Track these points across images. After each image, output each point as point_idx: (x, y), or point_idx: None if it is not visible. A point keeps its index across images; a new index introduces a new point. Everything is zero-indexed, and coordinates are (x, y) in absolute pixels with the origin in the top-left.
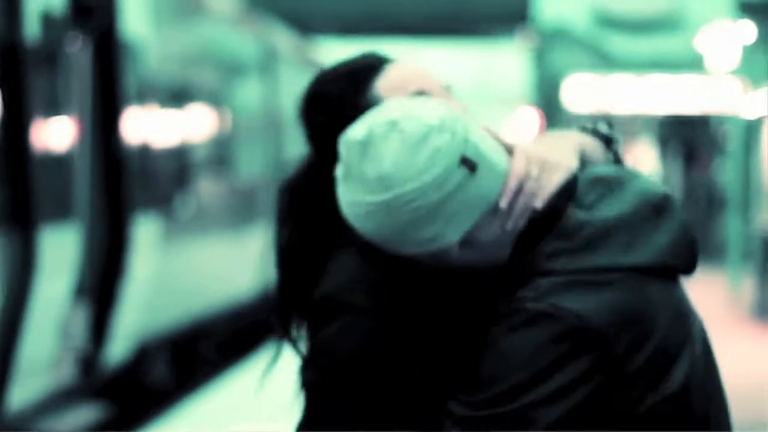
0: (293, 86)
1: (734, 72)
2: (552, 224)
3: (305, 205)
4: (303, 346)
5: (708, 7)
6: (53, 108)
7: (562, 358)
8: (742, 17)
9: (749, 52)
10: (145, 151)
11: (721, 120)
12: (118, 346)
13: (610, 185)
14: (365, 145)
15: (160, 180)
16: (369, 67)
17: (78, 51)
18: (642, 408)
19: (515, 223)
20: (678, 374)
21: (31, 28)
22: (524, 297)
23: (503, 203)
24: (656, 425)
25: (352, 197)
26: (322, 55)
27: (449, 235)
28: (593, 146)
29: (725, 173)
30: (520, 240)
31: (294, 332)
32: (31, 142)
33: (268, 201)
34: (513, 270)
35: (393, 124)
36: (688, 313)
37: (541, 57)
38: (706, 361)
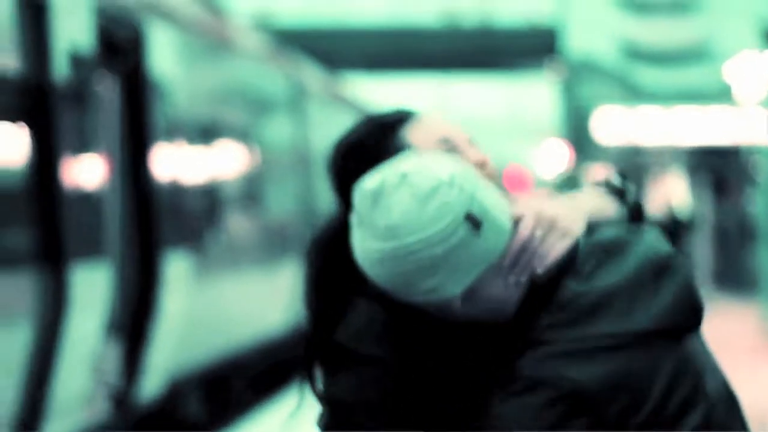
0: (322, 122)
1: (763, 102)
2: (550, 294)
3: (334, 260)
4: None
5: (735, 38)
6: (83, 146)
7: (558, 420)
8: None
9: None
10: (174, 188)
11: (751, 150)
12: (151, 382)
13: (609, 252)
14: (377, 195)
15: (190, 217)
16: (398, 118)
17: (107, 89)
18: None
19: (517, 279)
20: None
21: (60, 67)
22: (523, 365)
23: (507, 261)
24: None
25: (363, 244)
26: (350, 91)
27: (451, 287)
28: (605, 203)
29: (756, 204)
30: (521, 306)
31: (315, 377)
32: (62, 180)
33: (298, 237)
34: (513, 337)
35: (404, 177)
36: (700, 371)
37: (569, 89)
38: (727, 418)
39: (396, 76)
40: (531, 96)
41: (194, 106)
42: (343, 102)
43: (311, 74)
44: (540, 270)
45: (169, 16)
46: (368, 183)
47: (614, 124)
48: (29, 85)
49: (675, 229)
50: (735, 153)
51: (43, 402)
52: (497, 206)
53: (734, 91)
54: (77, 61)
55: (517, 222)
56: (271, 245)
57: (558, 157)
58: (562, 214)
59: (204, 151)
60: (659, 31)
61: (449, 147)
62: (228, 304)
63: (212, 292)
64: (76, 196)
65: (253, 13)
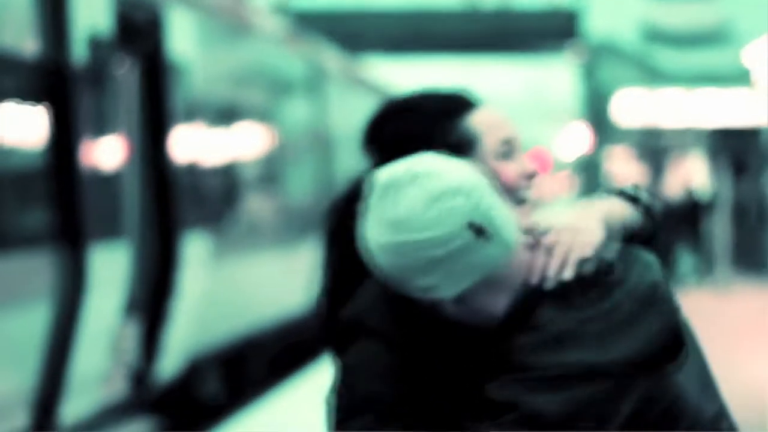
0: (341, 104)
1: None
2: (529, 316)
3: (352, 226)
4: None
5: (756, 21)
6: (102, 128)
7: None
8: None
9: None
10: (193, 169)
11: None
12: (169, 362)
13: (593, 282)
14: (388, 189)
15: (209, 198)
16: (458, 105)
17: (125, 72)
18: None
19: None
20: None
21: (79, 50)
22: (491, 386)
23: (532, 272)
24: None
25: (368, 232)
26: (370, 73)
27: (444, 290)
28: (621, 209)
29: None
30: (501, 322)
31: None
32: (81, 162)
33: (317, 218)
34: (490, 349)
35: (416, 176)
36: (680, 396)
37: (590, 72)
38: None
39: (416, 58)
40: (551, 78)
41: (213, 89)
42: (362, 84)
43: (330, 57)
44: (534, 279)
45: None
46: (383, 174)
47: (635, 107)
48: (49, 67)
49: (695, 210)
50: (754, 135)
51: (62, 381)
52: (504, 220)
53: (754, 74)
54: (96, 44)
55: (534, 235)
56: (290, 226)
57: (578, 139)
58: (582, 228)
59: (223, 133)
60: (680, 14)
61: (508, 149)
62: (246, 284)
63: (230, 273)
64: (95, 177)
65: None
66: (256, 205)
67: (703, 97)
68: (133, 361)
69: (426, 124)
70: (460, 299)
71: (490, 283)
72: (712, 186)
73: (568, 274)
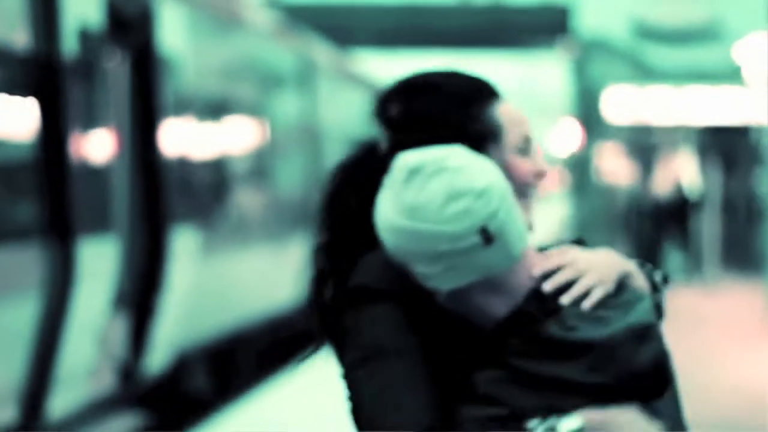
0: (331, 98)
1: None
2: (528, 327)
3: (352, 195)
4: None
5: (747, 18)
6: (92, 121)
7: None
8: None
9: None
10: (183, 163)
11: (761, 131)
12: (158, 356)
13: (594, 313)
14: (413, 174)
15: (198, 192)
16: (485, 92)
17: (116, 65)
18: None
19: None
20: None
21: (69, 42)
22: (479, 379)
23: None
24: None
25: (383, 209)
26: (361, 67)
27: (441, 282)
28: (636, 272)
29: (764, 183)
30: (499, 326)
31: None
32: (70, 155)
33: (306, 213)
34: (483, 346)
35: (444, 169)
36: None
37: (580, 68)
38: None
39: (407, 52)
40: (543, 74)
41: (203, 82)
42: (353, 78)
43: (321, 50)
44: (547, 288)
45: None
46: (411, 158)
47: (625, 103)
48: (39, 60)
49: (684, 207)
50: (745, 133)
51: (50, 374)
52: (516, 233)
53: (744, 72)
54: (87, 37)
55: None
56: (279, 221)
57: (569, 135)
58: (597, 265)
59: (213, 126)
60: (670, 11)
61: (527, 146)
62: (235, 278)
63: (219, 267)
64: (84, 170)
65: None
66: (245, 199)
67: (694, 94)
68: (121, 356)
69: (450, 106)
70: (454, 295)
71: (490, 285)
72: (702, 183)
73: (590, 303)
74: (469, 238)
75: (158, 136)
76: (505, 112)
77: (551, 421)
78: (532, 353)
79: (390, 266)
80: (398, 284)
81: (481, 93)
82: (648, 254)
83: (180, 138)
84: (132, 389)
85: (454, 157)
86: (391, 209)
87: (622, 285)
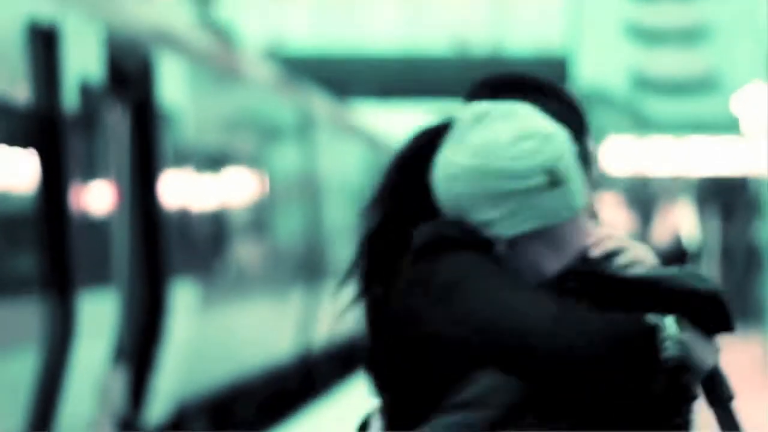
0: (330, 150)
1: None
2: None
3: (414, 180)
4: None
5: (745, 69)
6: (92, 175)
7: None
8: None
9: None
10: (183, 216)
11: (759, 181)
12: (157, 408)
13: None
14: (482, 116)
15: (198, 245)
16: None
17: (116, 119)
18: None
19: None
20: None
21: (70, 96)
22: None
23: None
24: None
25: (449, 157)
26: (360, 119)
27: (504, 228)
28: None
29: (763, 234)
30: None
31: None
32: (71, 208)
33: (306, 265)
34: None
35: (513, 114)
36: None
37: None
38: None
39: (407, 103)
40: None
41: (203, 135)
42: (352, 129)
43: (321, 102)
44: (595, 253)
45: (178, 46)
46: (477, 106)
47: (624, 154)
48: (40, 113)
49: (683, 258)
50: (743, 183)
51: (50, 428)
52: (578, 182)
53: (742, 123)
54: (87, 91)
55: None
56: (279, 273)
57: None
58: (639, 247)
59: (213, 179)
60: (669, 62)
61: (594, 185)
62: (235, 330)
63: (219, 319)
64: (85, 223)
65: (264, 40)
66: (245, 252)
67: (692, 145)
68: (120, 408)
69: (565, 117)
70: (514, 243)
71: (547, 239)
72: (701, 233)
73: (636, 271)
74: (536, 177)
75: (158, 189)
76: (591, 144)
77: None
78: (590, 294)
79: (452, 223)
80: (466, 236)
81: (585, 117)
82: None
83: (180, 191)
84: None
85: (522, 107)
86: (457, 154)
87: None
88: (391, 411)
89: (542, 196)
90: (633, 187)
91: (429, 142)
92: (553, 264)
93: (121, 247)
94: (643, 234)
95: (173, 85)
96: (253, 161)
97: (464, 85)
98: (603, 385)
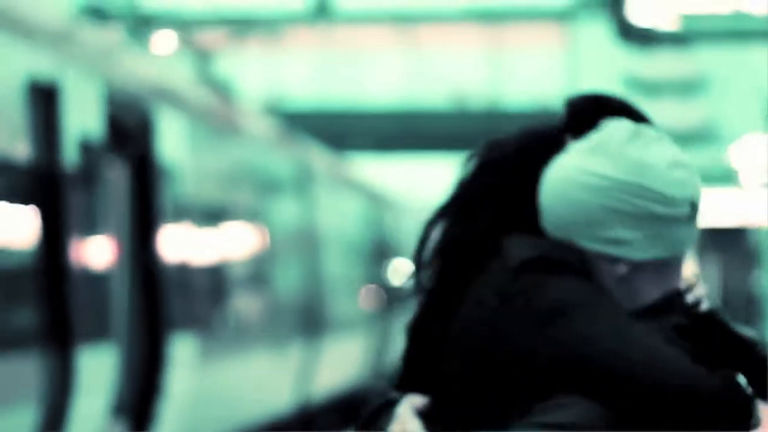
0: (329, 204)
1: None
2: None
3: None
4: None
5: (741, 120)
6: (92, 230)
7: None
8: None
9: None
10: (182, 270)
11: (757, 231)
12: None
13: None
14: (637, 133)
15: (197, 299)
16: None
17: (116, 174)
18: None
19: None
20: None
21: (70, 152)
22: None
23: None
24: None
25: (589, 168)
26: (359, 173)
27: (638, 250)
28: None
29: (762, 283)
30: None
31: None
32: (70, 264)
33: (305, 318)
34: None
35: (663, 138)
36: None
37: None
38: None
39: (405, 157)
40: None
41: (203, 190)
42: (351, 183)
43: (319, 157)
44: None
45: (178, 102)
46: (627, 123)
47: None
48: (40, 170)
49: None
50: (742, 234)
51: None
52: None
53: (740, 174)
54: (87, 146)
55: None
56: (278, 326)
57: None
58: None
59: (212, 234)
60: (666, 113)
61: None
62: (234, 383)
63: (218, 373)
64: (84, 278)
65: (263, 96)
66: (244, 305)
67: None
68: None
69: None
70: (637, 267)
71: (662, 269)
72: (701, 284)
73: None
74: (681, 207)
75: (157, 243)
76: None
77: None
78: (688, 329)
79: (555, 243)
80: (570, 258)
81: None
82: None
83: (179, 245)
84: None
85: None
86: (609, 166)
87: None
88: (436, 414)
89: (680, 227)
90: None
91: (537, 147)
92: (654, 295)
93: (121, 302)
94: None
95: (172, 141)
96: (252, 215)
97: (463, 139)
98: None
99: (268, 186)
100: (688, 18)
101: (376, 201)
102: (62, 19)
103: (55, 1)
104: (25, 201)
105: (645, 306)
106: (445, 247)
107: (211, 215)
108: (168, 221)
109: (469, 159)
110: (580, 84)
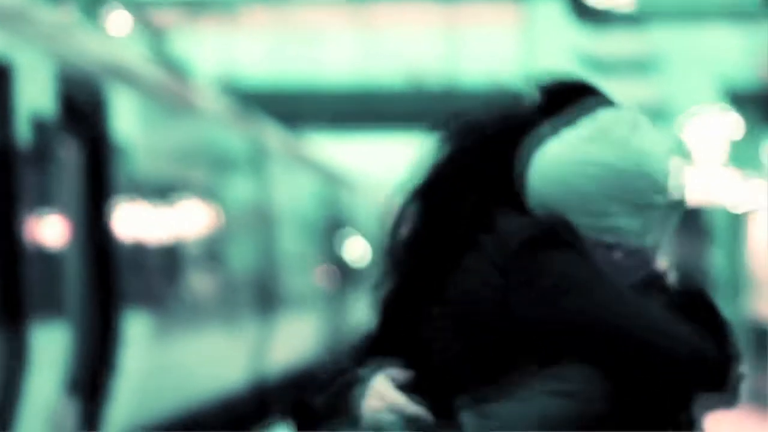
0: (283, 182)
1: (722, 163)
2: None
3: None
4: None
5: (695, 97)
6: (46, 207)
7: None
8: (729, 108)
9: (737, 142)
10: (135, 247)
11: (709, 210)
12: None
13: None
14: (637, 122)
15: (151, 276)
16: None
17: (69, 152)
18: None
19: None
20: None
21: (23, 131)
22: None
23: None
24: None
25: (591, 157)
26: (314, 151)
27: (634, 238)
28: None
29: (714, 262)
30: None
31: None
32: (23, 241)
33: (258, 295)
34: None
35: (656, 130)
36: None
37: None
38: None
39: (361, 135)
40: None
41: (156, 168)
42: (305, 161)
43: (274, 135)
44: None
45: (132, 81)
46: (629, 111)
47: None
48: None
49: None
50: (694, 213)
51: None
52: None
53: (693, 151)
54: (40, 125)
55: None
56: (233, 302)
57: None
58: None
59: (165, 210)
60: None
61: None
62: (188, 359)
63: (172, 348)
64: (37, 256)
65: (218, 75)
66: (198, 283)
67: None
68: None
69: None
70: (634, 252)
71: (648, 253)
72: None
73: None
74: (674, 196)
75: (111, 221)
76: None
77: None
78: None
79: (557, 219)
80: (568, 236)
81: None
82: None
83: (133, 222)
84: None
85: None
86: (609, 154)
87: None
88: (418, 386)
89: (671, 215)
90: None
91: (515, 130)
92: (639, 275)
93: (74, 280)
94: None
95: (126, 120)
96: (206, 192)
97: (419, 117)
98: (687, 390)
99: (222, 164)
100: None
101: (331, 179)
102: None
103: None
104: None
105: (630, 285)
106: (424, 228)
107: (165, 193)
108: (121, 199)
109: (442, 141)
110: (535, 62)
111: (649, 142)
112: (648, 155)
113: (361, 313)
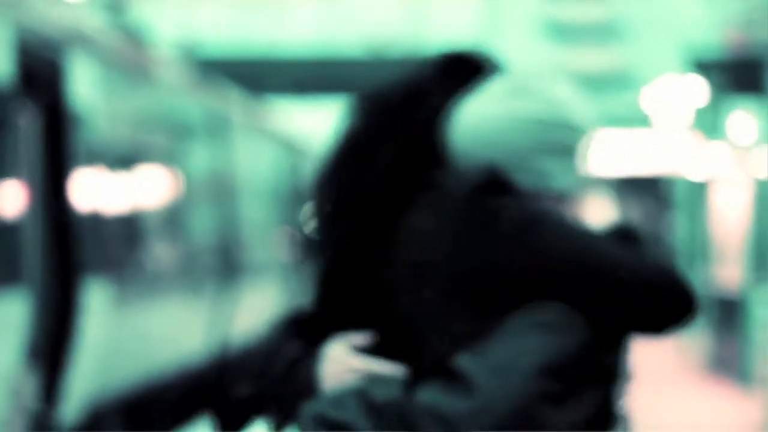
0: (246, 149)
1: (684, 129)
2: None
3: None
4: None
5: (658, 64)
6: (2, 176)
7: None
8: (692, 74)
9: (701, 109)
10: (95, 216)
11: (671, 176)
12: (71, 408)
13: None
14: (543, 75)
15: (111, 244)
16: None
17: (27, 120)
18: None
19: None
20: None
21: None
22: None
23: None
24: None
25: (515, 112)
26: (277, 118)
27: (561, 180)
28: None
29: (675, 229)
30: None
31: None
32: None
33: (220, 264)
34: None
35: (562, 80)
36: None
37: None
38: None
39: (321, 102)
40: None
41: (116, 136)
42: (268, 129)
43: (236, 102)
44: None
45: (91, 47)
46: (530, 66)
47: None
48: None
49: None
50: (655, 179)
51: None
52: None
53: (655, 118)
54: None
55: None
56: (194, 272)
57: None
58: None
59: (125, 179)
60: (583, 58)
61: None
62: (149, 330)
63: (133, 318)
64: None
65: (179, 42)
66: (159, 251)
67: (606, 141)
68: (33, 408)
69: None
70: (562, 197)
71: (571, 207)
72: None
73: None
74: (587, 137)
75: (70, 189)
76: None
77: None
78: None
79: (497, 169)
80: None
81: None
82: None
83: (92, 191)
84: None
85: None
86: (534, 108)
87: None
88: (381, 349)
89: (583, 159)
90: None
91: (421, 94)
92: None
93: (33, 249)
94: None
95: (85, 86)
96: (167, 161)
97: (379, 84)
98: (658, 321)
99: (182, 132)
100: None
101: (294, 147)
102: None
103: None
104: None
105: None
106: (349, 199)
107: (125, 161)
108: (80, 167)
109: (356, 109)
110: (499, 30)
111: (562, 91)
112: (566, 104)
113: None
